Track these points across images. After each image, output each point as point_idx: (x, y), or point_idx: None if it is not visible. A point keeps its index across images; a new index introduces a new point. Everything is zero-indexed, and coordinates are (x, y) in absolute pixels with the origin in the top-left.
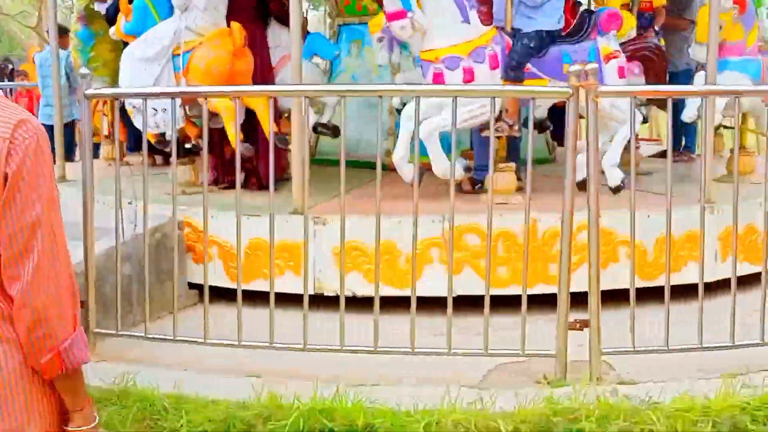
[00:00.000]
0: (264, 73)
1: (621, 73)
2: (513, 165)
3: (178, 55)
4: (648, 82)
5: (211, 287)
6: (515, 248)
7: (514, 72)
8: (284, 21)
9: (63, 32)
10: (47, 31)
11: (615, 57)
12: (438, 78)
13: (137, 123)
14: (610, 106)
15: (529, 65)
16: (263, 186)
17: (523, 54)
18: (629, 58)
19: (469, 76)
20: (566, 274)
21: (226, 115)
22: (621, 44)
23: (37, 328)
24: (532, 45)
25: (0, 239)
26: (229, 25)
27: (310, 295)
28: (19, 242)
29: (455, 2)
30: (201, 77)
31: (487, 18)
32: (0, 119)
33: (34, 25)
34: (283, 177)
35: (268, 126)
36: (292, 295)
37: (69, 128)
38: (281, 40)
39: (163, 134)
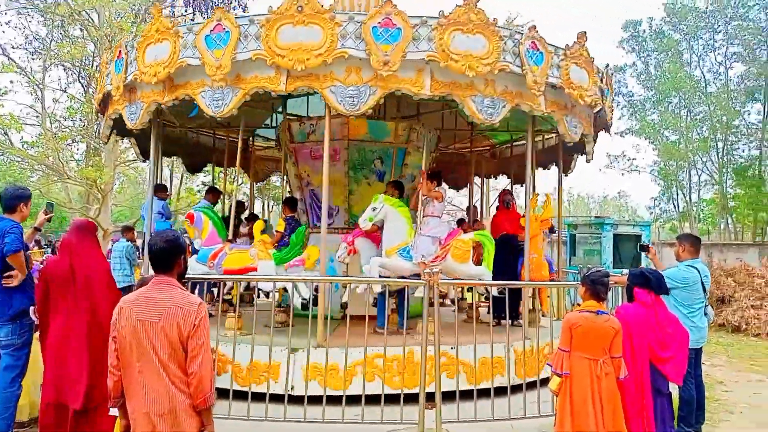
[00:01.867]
0: None
1: None
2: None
3: None
4: None
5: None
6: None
7: None
8: None
9: (128, 229)
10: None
11: None
12: None
13: None
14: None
15: None
16: None
17: None
18: None
19: None
20: (423, 381)
21: None
22: None
23: (199, 385)
24: None
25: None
26: None
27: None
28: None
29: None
30: None
31: None
32: (190, 300)
33: (95, 216)
34: None
35: None
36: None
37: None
38: None
39: None
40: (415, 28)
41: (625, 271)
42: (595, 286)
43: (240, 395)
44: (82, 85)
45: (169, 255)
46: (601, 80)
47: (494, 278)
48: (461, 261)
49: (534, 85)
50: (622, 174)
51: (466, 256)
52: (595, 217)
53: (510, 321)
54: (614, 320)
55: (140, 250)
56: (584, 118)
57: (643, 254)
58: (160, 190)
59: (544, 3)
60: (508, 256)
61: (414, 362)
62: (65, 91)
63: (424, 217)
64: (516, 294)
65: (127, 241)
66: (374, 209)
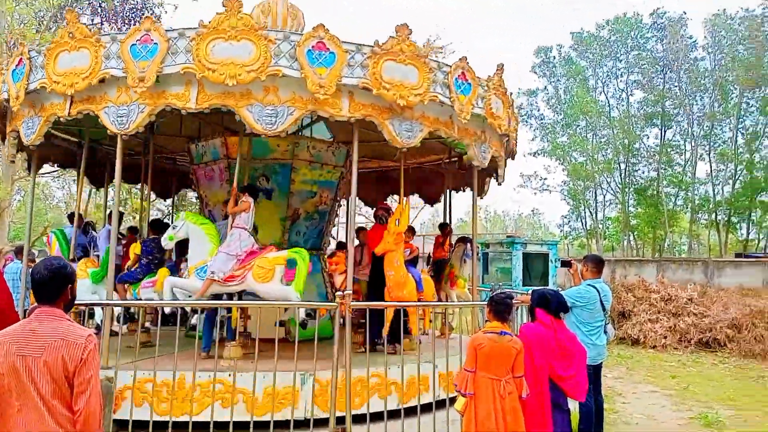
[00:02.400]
0: None
1: None
2: None
3: None
4: None
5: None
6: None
7: None
8: None
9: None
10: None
11: None
12: None
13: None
14: None
15: None
16: None
17: None
18: None
19: None
20: (333, 406)
21: None
22: None
23: (86, 423)
24: None
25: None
26: None
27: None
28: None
29: None
30: None
31: None
32: (77, 332)
33: None
34: None
35: None
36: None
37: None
38: None
39: None
40: (349, 54)
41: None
42: (498, 307)
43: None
44: None
45: (52, 284)
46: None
47: (370, 297)
48: (263, 281)
49: (461, 113)
50: (534, 193)
51: (269, 276)
52: (507, 236)
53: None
54: (516, 340)
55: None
56: (495, 144)
57: (556, 271)
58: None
59: (464, 26)
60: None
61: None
62: None
63: (230, 229)
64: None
65: (21, 262)
66: (174, 227)
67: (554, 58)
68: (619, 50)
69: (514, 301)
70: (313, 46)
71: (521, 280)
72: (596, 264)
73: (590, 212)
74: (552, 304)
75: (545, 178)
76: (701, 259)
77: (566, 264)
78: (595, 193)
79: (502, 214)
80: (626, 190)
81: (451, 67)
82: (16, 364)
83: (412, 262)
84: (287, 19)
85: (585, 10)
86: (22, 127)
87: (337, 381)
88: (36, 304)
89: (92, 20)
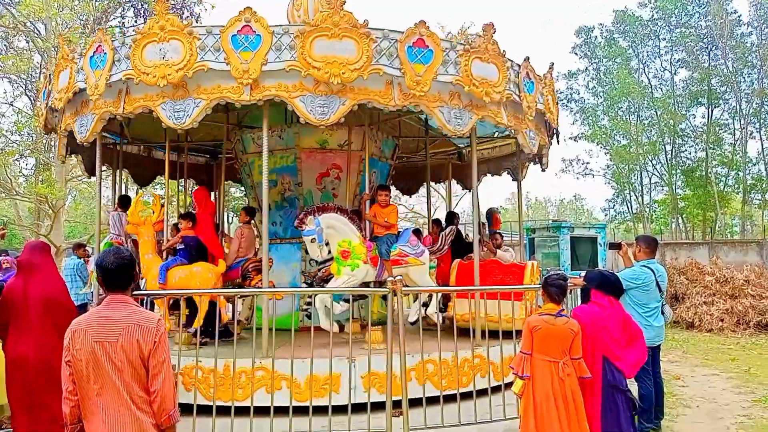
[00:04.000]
0: None
1: None
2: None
3: None
4: None
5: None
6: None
7: None
8: None
9: (80, 246)
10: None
11: None
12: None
13: None
14: None
15: None
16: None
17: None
18: None
19: None
20: (389, 389)
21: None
22: None
23: (162, 403)
24: None
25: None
26: None
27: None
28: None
29: None
30: None
31: None
32: (148, 317)
33: (47, 233)
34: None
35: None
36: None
37: (82, 308)
38: None
39: None
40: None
41: (584, 272)
42: (552, 289)
43: (204, 409)
44: (29, 98)
45: (122, 272)
46: (517, 75)
47: None
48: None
49: (528, 111)
50: (577, 178)
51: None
52: (553, 220)
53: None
54: (573, 322)
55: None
56: (541, 130)
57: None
58: (78, 248)
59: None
60: None
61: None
62: (12, 105)
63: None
64: None
65: (79, 258)
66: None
67: (595, 38)
68: (662, 29)
69: (567, 283)
70: (413, 43)
71: (569, 265)
72: (649, 244)
73: (636, 195)
74: (609, 285)
75: (587, 162)
76: (755, 240)
77: (615, 246)
78: (641, 175)
79: (543, 200)
80: (673, 171)
81: (519, 66)
82: (94, 349)
83: None
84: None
85: None
86: (75, 125)
87: (392, 365)
88: (106, 292)
89: (135, 21)
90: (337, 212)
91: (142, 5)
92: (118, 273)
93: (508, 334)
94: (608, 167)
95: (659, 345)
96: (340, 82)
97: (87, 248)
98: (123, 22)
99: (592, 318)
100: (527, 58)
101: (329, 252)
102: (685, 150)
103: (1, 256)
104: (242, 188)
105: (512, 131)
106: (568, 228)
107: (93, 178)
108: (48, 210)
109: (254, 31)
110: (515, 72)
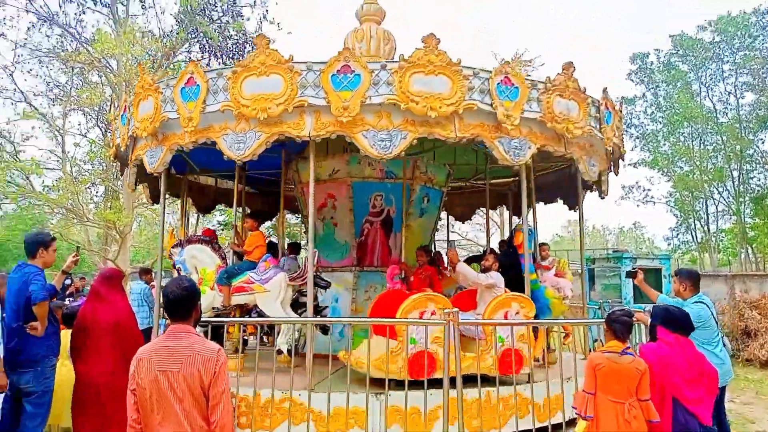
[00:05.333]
0: None
1: None
2: None
3: None
4: None
5: None
6: None
7: None
8: None
9: (146, 271)
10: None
11: None
12: None
13: None
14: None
15: None
16: None
17: None
18: None
19: None
20: (461, 425)
21: None
22: None
23: None
24: None
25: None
26: None
27: None
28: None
29: None
30: None
31: None
32: (209, 347)
33: (114, 258)
34: None
35: None
36: None
37: (147, 333)
38: None
39: None
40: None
41: (648, 307)
42: (616, 325)
43: None
44: (101, 129)
45: (186, 302)
46: (598, 109)
47: None
48: None
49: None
50: (637, 205)
51: None
52: (613, 250)
53: None
54: (640, 361)
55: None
56: (602, 157)
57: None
58: (144, 273)
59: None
60: None
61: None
62: (85, 136)
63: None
64: None
65: (145, 283)
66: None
67: (652, 63)
68: (724, 51)
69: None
70: (501, 81)
71: (632, 298)
72: (694, 280)
73: (701, 224)
74: (675, 321)
75: (648, 189)
76: None
77: (631, 275)
78: (706, 203)
79: (601, 228)
80: (741, 199)
81: (599, 100)
82: (157, 378)
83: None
84: (381, 44)
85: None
86: (145, 156)
87: (448, 401)
88: (169, 321)
89: (201, 56)
90: (199, 243)
91: (207, 41)
92: (180, 302)
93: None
94: (671, 195)
95: (726, 385)
96: (437, 115)
97: (153, 273)
98: (189, 57)
99: (660, 357)
100: (605, 90)
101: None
102: (754, 177)
103: (66, 280)
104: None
105: (575, 159)
106: (630, 258)
107: (157, 205)
108: (115, 235)
109: (353, 70)
110: (596, 107)
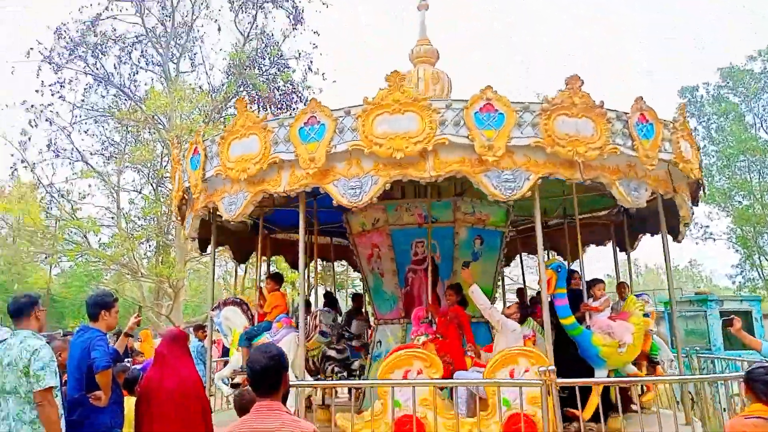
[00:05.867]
0: None
1: None
2: None
3: None
4: None
5: None
6: None
7: None
8: None
9: (200, 328)
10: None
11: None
12: None
13: None
14: None
15: None
16: None
17: None
18: None
19: None
20: None
21: None
22: None
23: None
24: None
25: None
26: None
27: None
28: None
29: None
30: None
31: None
32: (303, 427)
33: (168, 313)
34: None
35: None
36: None
37: None
38: None
39: None
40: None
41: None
42: (759, 386)
43: None
44: (152, 185)
45: (273, 374)
46: (626, 124)
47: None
48: None
49: (646, 160)
50: (696, 243)
51: None
52: (696, 292)
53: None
54: None
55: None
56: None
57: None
58: (198, 330)
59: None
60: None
61: None
62: (140, 192)
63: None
64: None
65: (199, 340)
66: None
67: (701, 97)
68: None
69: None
70: (480, 109)
71: (721, 344)
72: None
73: (767, 260)
74: None
75: (707, 226)
76: None
77: (727, 323)
78: None
79: (654, 267)
80: None
81: (626, 113)
82: None
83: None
84: (429, 85)
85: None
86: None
87: None
88: (256, 397)
89: (250, 107)
90: (232, 305)
91: (257, 93)
92: (267, 375)
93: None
94: (730, 230)
95: None
96: (402, 156)
97: (206, 330)
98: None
99: None
100: (639, 98)
101: None
102: None
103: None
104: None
105: (605, 185)
106: (716, 301)
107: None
108: (167, 289)
109: (318, 120)
110: (623, 121)
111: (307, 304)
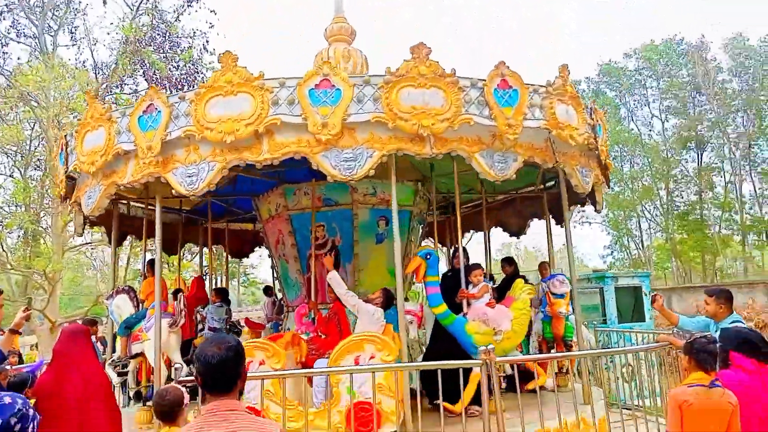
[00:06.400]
0: None
1: None
2: None
3: None
4: None
5: None
6: None
7: None
8: None
9: (92, 323)
10: None
11: None
12: None
13: None
14: None
15: None
16: None
17: None
18: None
19: None
20: None
21: None
22: None
23: None
24: None
25: None
26: None
27: None
28: None
29: None
30: None
31: None
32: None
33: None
34: None
35: None
36: None
37: None
38: None
39: None
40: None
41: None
42: (701, 355)
43: None
44: (18, 170)
45: (231, 368)
46: (591, 116)
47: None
48: None
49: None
50: (574, 227)
51: None
52: (593, 270)
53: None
54: (729, 394)
55: (105, 347)
56: (596, 167)
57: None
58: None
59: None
60: None
61: None
62: (12, 177)
63: None
64: None
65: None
66: None
67: (583, 91)
68: (648, 78)
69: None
70: (498, 85)
71: (616, 318)
72: (729, 299)
73: (635, 242)
74: (755, 345)
75: (583, 210)
76: (762, 281)
77: (651, 299)
78: (639, 222)
79: (533, 249)
80: (669, 216)
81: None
82: None
83: None
84: (341, 64)
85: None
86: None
87: None
88: (207, 396)
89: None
90: (122, 293)
91: (155, 72)
92: (228, 366)
93: None
94: (605, 214)
95: None
96: (426, 132)
97: (98, 326)
98: (136, 89)
99: (744, 387)
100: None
101: None
102: (678, 195)
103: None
104: None
105: (567, 173)
106: (611, 278)
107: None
108: (38, 283)
109: (333, 85)
110: (589, 113)
111: (178, 291)
